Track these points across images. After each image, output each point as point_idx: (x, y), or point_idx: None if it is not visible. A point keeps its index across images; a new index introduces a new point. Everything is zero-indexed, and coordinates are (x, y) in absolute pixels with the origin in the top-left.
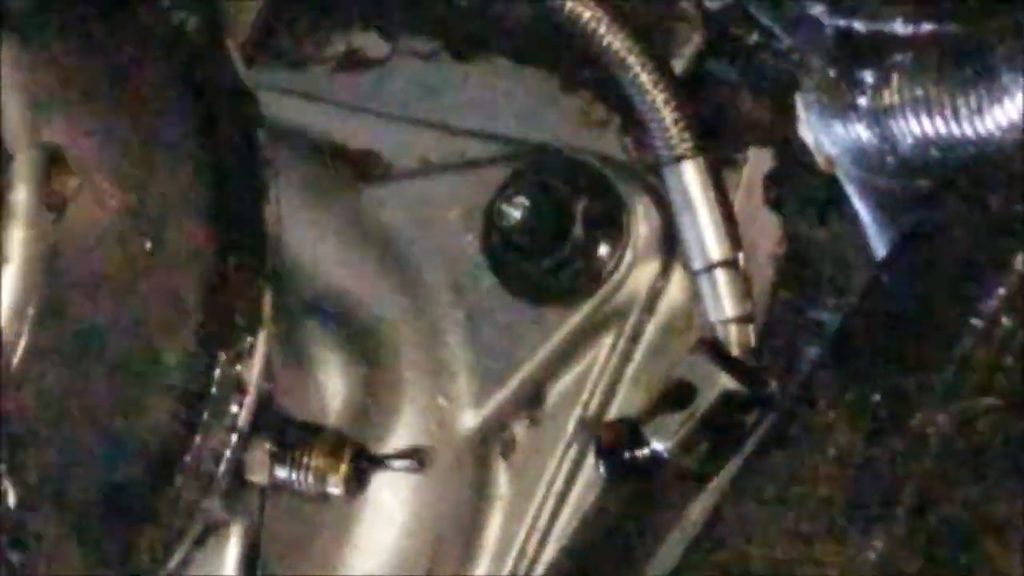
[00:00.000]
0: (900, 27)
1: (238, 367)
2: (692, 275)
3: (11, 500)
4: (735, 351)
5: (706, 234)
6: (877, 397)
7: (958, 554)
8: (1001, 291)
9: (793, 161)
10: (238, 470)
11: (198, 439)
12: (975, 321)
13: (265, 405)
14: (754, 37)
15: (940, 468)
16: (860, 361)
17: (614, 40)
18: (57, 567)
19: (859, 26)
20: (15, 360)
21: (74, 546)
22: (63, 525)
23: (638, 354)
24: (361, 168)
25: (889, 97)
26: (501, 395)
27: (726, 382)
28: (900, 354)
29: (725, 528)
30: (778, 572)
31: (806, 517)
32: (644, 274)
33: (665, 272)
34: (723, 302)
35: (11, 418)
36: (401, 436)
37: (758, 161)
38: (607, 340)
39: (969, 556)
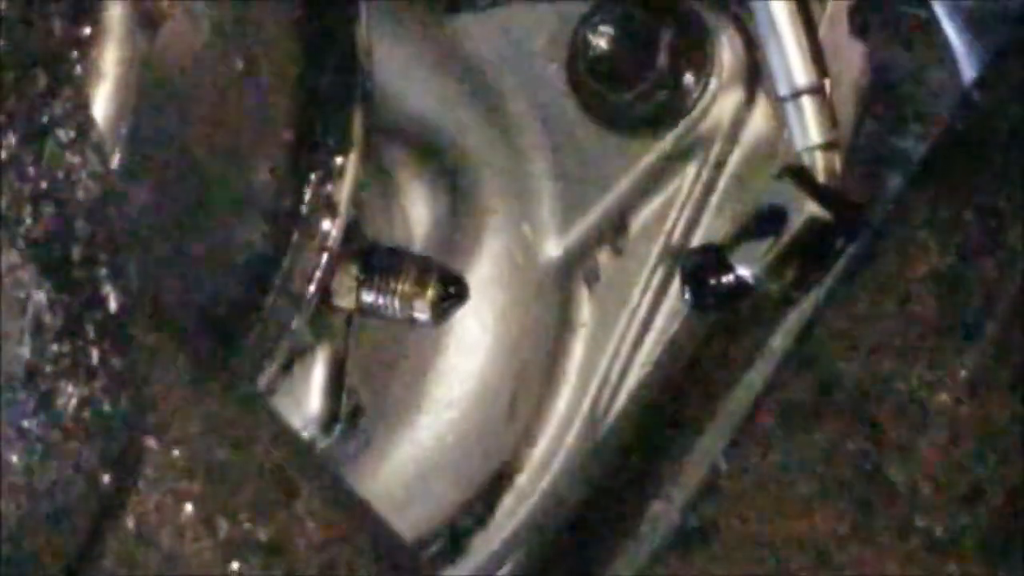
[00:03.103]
0: None
1: (328, 187)
2: (777, 102)
3: (112, 305)
4: (821, 178)
5: (792, 60)
6: (969, 215)
7: None
8: None
9: None
10: (325, 295)
11: (288, 259)
12: None
13: (352, 230)
14: None
15: None
16: (952, 179)
17: None
18: (158, 373)
19: None
20: (112, 174)
21: (174, 354)
22: (162, 332)
23: (722, 183)
24: None
25: None
26: (585, 223)
27: (812, 208)
28: (993, 172)
29: (817, 345)
30: (870, 389)
31: (898, 334)
32: (728, 103)
33: (750, 101)
34: (809, 129)
35: (111, 226)
36: (485, 264)
37: None
38: (691, 169)
39: None
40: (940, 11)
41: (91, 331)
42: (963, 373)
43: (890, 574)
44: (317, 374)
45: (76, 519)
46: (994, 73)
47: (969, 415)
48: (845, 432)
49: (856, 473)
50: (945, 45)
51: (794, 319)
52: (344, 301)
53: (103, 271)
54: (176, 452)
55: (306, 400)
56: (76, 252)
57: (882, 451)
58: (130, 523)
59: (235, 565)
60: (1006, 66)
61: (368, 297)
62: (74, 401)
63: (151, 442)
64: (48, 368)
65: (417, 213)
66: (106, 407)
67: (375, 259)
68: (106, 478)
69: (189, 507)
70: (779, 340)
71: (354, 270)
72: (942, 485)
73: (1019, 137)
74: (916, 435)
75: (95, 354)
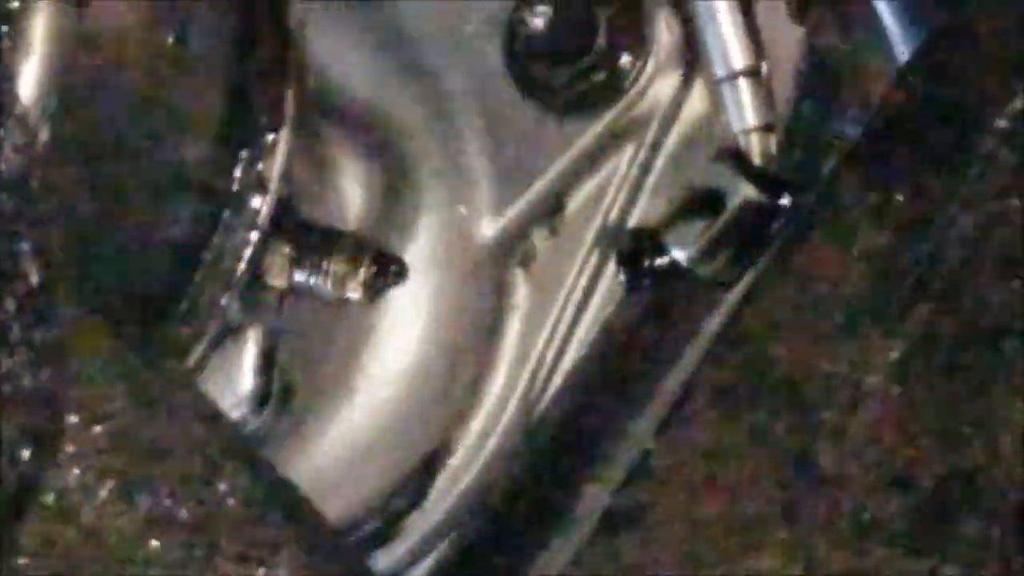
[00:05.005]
0: None
1: (260, 165)
2: (714, 84)
3: (34, 280)
4: (757, 160)
5: (729, 42)
6: (901, 197)
7: (979, 356)
8: None
9: None
10: (257, 273)
11: (219, 237)
12: (1000, 122)
13: (285, 209)
14: None
15: (963, 269)
16: (884, 161)
17: None
18: (81, 345)
19: None
20: (37, 148)
21: (97, 329)
22: (86, 307)
23: (658, 164)
24: None
25: None
26: (520, 204)
27: (748, 191)
28: (924, 154)
29: (746, 327)
30: (799, 371)
31: (829, 316)
32: (665, 85)
33: (687, 83)
34: (745, 111)
35: (35, 200)
36: (420, 244)
37: None
38: (628, 150)
39: (990, 358)
40: None
41: (11, 305)
42: (893, 355)
43: (817, 556)
44: (248, 353)
45: None
46: (927, 55)
47: (899, 398)
48: (774, 414)
49: (785, 455)
50: (882, 30)
51: (728, 302)
52: (276, 280)
53: (25, 245)
54: (97, 428)
55: (237, 379)
56: None
57: (811, 433)
58: (50, 499)
59: (155, 542)
60: (939, 48)
61: (301, 276)
62: None
63: (72, 418)
64: None
65: (352, 192)
66: (26, 382)
67: (308, 238)
68: (26, 453)
69: (110, 483)
70: (714, 324)
71: (287, 249)
72: (871, 468)
73: (950, 119)
74: (845, 418)
75: (15, 328)
